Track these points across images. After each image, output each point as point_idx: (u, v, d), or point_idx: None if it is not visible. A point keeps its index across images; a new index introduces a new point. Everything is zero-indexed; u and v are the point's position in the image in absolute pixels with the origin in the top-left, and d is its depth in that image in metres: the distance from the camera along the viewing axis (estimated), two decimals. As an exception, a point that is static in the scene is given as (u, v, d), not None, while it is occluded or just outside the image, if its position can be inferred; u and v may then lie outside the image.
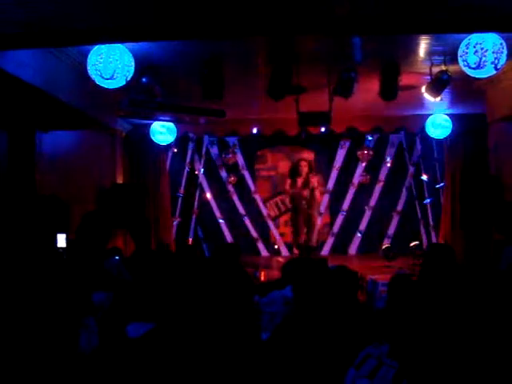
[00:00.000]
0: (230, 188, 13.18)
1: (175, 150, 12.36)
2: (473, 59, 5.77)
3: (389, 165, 13.03)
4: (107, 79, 5.93)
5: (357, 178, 13.10)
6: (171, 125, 10.43)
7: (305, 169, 11.06)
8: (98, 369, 2.54)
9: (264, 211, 13.36)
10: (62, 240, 6.60)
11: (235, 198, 13.26)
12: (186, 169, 12.85)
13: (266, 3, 4.95)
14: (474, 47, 5.73)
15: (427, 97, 7.57)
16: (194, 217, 13.02)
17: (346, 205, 13.24)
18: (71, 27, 5.27)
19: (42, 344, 2.38)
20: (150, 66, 6.73)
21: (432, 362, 2.39)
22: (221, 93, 6.97)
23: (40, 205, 6.27)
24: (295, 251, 11.81)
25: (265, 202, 13.40)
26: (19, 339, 2.37)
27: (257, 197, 13.33)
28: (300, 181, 11.03)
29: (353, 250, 13.20)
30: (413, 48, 6.68)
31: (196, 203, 13.02)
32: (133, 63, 5.96)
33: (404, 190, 13.00)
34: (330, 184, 13.25)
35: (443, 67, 6.83)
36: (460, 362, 2.38)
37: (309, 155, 13.08)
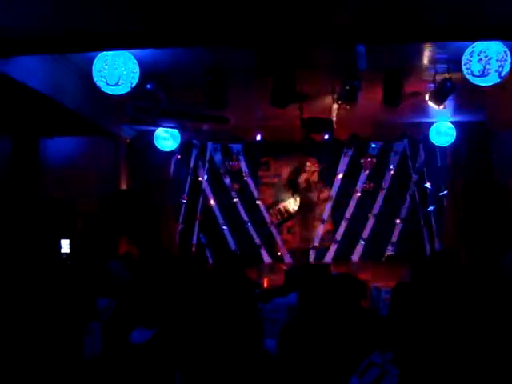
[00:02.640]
0: (234, 194, 13.19)
1: (179, 157, 12.39)
2: (477, 67, 5.77)
3: (392, 172, 13.02)
4: (112, 86, 5.95)
5: (360, 185, 13.09)
6: (175, 131, 10.45)
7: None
8: (101, 374, 2.54)
9: (267, 218, 13.36)
10: (65, 245, 6.62)
11: (238, 204, 13.27)
12: (190, 175, 12.86)
13: (268, 14, 4.98)
14: (478, 55, 5.73)
15: (431, 104, 7.57)
16: (197, 223, 13.02)
17: (349, 212, 13.23)
18: (76, 34, 5.31)
19: (45, 348, 2.38)
20: (154, 73, 6.74)
21: (435, 370, 2.38)
22: (224, 101, 6.98)
23: (44, 209, 6.29)
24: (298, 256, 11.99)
25: (268, 208, 13.40)
26: (23, 343, 2.37)
27: (260, 203, 13.33)
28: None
29: (356, 257, 13.19)
30: (416, 56, 6.69)
31: (199, 209, 13.03)
32: (138, 70, 5.98)
33: (407, 197, 12.99)
34: (334, 191, 13.24)
35: (447, 75, 6.83)
36: (464, 370, 2.38)
37: (312, 163, 13.14)
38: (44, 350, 2.36)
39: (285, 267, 10.89)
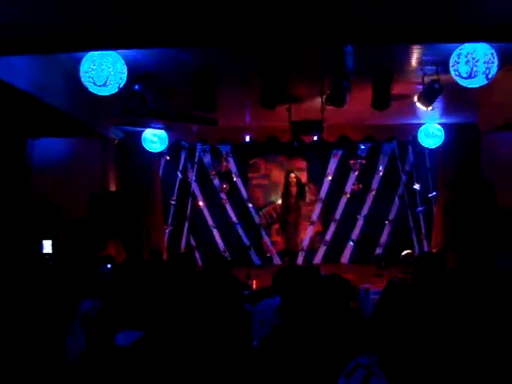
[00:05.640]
0: (223, 196, 13.17)
1: (168, 158, 12.36)
2: (464, 69, 5.80)
3: (381, 174, 13.04)
4: (100, 86, 5.92)
5: (349, 186, 13.10)
6: (162, 133, 10.43)
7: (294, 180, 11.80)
8: (85, 377, 2.51)
9: (256, 219, 13.35)
10: (48, 246, 6.56)
11: (228, 206, 13.24)
12: (179, 176, 12.83)
13: (257, 15, 4.97)
14: (466, 57, 5.76)
15: (419, 106, 7.60)
16: (186, 225, 12.98)
17: (338, 213, 13.24)
18: (63, 34, 5.27)
19: (27, 349, 2.35)
20: (142, 74, 6.72)
21: (423, 372, 2.38)
22: (212, 103, 6.96)
23: (32, 210, 6.24)
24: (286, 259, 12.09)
25: (257, 210, 13.38)
26: (2, 344, 2.33)
27: (249, 205, 13.32)
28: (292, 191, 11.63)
29: (345, 258, 13.19)
30: (405, 57, 6.71)
31: (188, 211, 13.00)
32: (125, 70, 5.96)
33: (396, 198, 13.01)
34: (323, 193, 13.25)
35: (435, 77, 6.86)
36: (452, 372, 2.37)
37: (301, 164, 13.14)
38: (24, 349, 2.33)
39: (274, 269, 10.91)
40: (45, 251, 6.45)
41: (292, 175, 11.95)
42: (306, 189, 12.40)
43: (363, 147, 12.72)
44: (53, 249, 6.52)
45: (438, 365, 2.35)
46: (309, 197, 12.96)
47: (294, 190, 11.89)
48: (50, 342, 2.36)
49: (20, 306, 2.81)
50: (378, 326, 3.01)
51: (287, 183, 11.92)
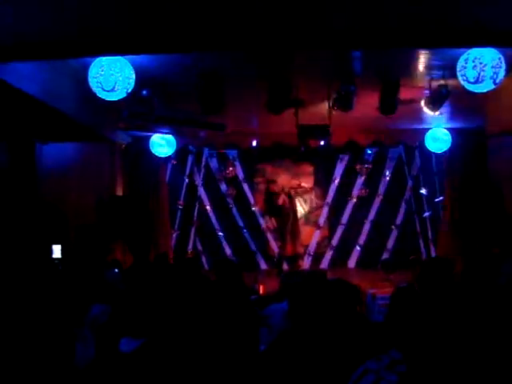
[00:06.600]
0: (230, 201, 13.18)
1: (175, 163, 12.38)
2: (472, 74, 5.79)
3: (388, 178, 13.02)
4: (108, 91, 5.95)
5: (356, 191, 13.09)
6: (171, 137, 10.45)
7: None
8: (90, 381, 2.52)
9: (262, 224, 13.35)
10: (57, 251, 6.59)
11: (234, 210, 13.25)
12: (186, 181, 12.85)
13: (265, 19, 4.99)
14: (473, 62, 5.75)
15: (426, 111, 7.59)
16: (193, 229, 12.99)
17: (345, 218, 13.22)
18: (72, 40, 5.31)
19: (35, 354, 2.36)
20: (150, 79, 6.75)
21: (434, 374, 2.37)
22: (220, 107, 6.97)
23: (41, 215, 6.26)
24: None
25: (264, 215, 13.38)
26: (11, 349, 2.34)
27: (256, 210, 13.32)
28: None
29: (352, 263, 13.16)
30: (412, 62, 6.71)
31: (195, 215, 13.01)
32: (133, 76, 5.98)
33: (403, 203, 12.98)
34: (329, 197, 13.24)
35: (442, 81, 6.86)
36: (462, 374, 2.37)
37: (308, 169, 13.16)
38: (32, 355, 2.34)
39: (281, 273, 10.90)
40: (54, 256, 6.48)
41: (286, 192, 12.42)
42: (306, 198, 12.72)
43: (370, 152, 12.72)
44: (62, 254, 6.55)
45: (449, 369, 2.35)
46: (315, 201, 13.05)
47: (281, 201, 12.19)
48: (60, 347, 2.37)
49: (30, 310, 2.82)
50: (387, 330, 3.01)
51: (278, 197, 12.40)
